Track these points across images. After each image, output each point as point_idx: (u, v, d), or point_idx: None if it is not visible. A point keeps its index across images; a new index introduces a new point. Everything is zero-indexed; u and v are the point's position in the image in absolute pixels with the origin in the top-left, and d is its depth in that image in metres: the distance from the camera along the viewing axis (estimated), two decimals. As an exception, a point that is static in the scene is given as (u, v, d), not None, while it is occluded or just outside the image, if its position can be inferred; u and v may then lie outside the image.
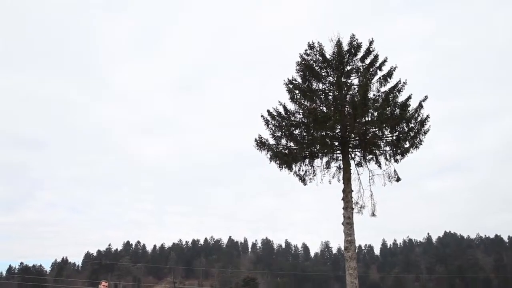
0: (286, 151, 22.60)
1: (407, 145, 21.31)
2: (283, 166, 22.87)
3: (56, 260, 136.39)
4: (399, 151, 21.62)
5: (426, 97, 20.79)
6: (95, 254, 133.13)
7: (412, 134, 21.07)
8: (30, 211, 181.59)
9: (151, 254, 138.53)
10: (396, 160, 22.06)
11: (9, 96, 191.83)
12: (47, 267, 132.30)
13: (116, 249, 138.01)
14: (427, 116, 20.84)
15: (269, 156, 22.54)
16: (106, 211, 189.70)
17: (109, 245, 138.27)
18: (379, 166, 22.78)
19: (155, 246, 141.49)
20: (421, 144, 21.09)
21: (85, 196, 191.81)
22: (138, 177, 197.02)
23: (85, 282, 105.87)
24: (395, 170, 22.56)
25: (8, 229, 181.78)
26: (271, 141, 22.71)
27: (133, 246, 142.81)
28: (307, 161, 23.40)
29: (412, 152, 21.40)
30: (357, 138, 22.25)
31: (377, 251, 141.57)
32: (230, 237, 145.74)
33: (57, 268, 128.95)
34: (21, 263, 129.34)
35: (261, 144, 22.46)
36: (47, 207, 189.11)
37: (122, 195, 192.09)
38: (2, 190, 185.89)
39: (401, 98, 20.94)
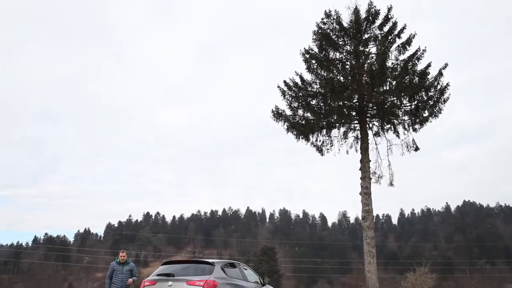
0: (303, 122, 22.50)
1: (426, 114, 21.03)
2: (300, 137, 22.82)
3: (79, 231, 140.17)
4: (417, 120, 21.36)
5: (446, 65, 20.37)
6: (116, 225, 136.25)
7: (431, 102, 20.75)
8: (53, 183, 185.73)
9: (170, 224, 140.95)
10: (414, 130, 21.82)
11: (27, 70, 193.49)
12: (71, 238, 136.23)
13: (137, 220, 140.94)
14: (447, 84, 20.47)
15: (286, 127, 22.50)
16: (126, 183, 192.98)
17: (130, 216, 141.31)
18: (397, 135, 22.59)
19: (174, 217, 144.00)
20: (440, 113, 20.78)
21: (105, 168, 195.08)
22: (156, 148, 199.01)
23: (107, 252, 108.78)
24: (413, 140, 22.35)
25: (32, 201, 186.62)
26: (288, 112, 22.62)
27: (153, 217, 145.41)
28: (324, 131, 23.30)
29: (431, 121, 21.13)
30: (375, 107, 22.01)
31: (394, 220, 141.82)
32: (248, 207, 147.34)
33: (80, 239, 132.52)
34: (46, 233, 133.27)
35: (278, 115, 22.39)
36: (69, 179, 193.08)
37: (142, 167, 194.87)
38: (25, 163, 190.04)
39: (420, 66, 20.55)
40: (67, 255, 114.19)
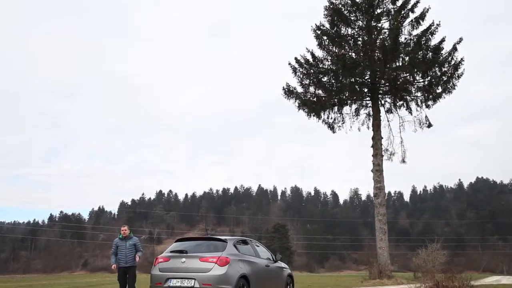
0: (314, 99, 22.37)
1: (439, 90, 20.78)
2: (312, 114, 22.72)
3: (93, 208, 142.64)
4: (431, 96, 21.12)
5: (460, 39, 20.00)
6: (129, 203, 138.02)
7: (445, 78, 20.47)
8: (67, 162, 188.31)
9: (183, 202, 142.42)
10: (427, 106, 21.60)
11: (41, 47, 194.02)
12: (85, 216, 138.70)
13: (150, 198, 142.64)
14: (461, 59, 20.13)
15: (297, 105, 22.40)
16: (139, 161, 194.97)
17: (143, 194, 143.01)
18: (410, 112, 22.39)
19: (186, 195, 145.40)
20: (454, 88, 20.51)
21: (118, 146, 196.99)
22: (169, 126, 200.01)
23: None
24: (426, 116, 22.14)
25: (47, 180, 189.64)
26: (299, 89, 22.49)
27: (165, 195, 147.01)
28: (335, 108, 23.16)
29: (444, 97, 20.90)
30: (387, 84, 21.78)
31: (406, 197, 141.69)
32: (259, 185, 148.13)
33: (95, 217, 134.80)
34: (61, 211, 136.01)
35: (289, 92, 22.28)
36: (83, 158, 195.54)
37: (154, 145, 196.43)
38: (39, 141, 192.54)
39: (434, 41, 20.21)
40: (83, 233, 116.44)
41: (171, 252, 8.60)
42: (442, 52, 20.02)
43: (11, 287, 17.92)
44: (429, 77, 20.67)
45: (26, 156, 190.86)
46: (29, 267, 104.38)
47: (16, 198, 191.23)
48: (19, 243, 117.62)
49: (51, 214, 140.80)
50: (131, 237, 9.30)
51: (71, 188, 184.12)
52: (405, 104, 22.35)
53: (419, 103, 21.63)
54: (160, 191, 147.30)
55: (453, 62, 20.12)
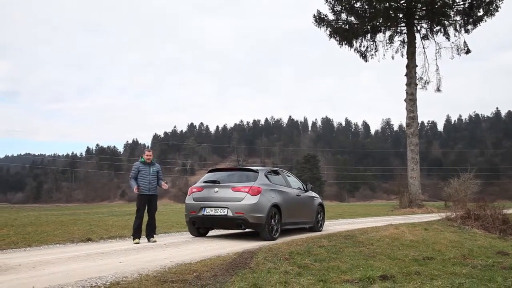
0: (346, 27, 21.61)
1: (480, 12, 19.62)
2: (343, 43, 22.06)
3: (127, 141, 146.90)
4: (471, 20, 20.02)
5: (507, -45, 18.55)
6: (162, 135, 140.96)
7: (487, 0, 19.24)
8: (101, 96, 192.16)
9: (214, 134, 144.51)
10: (466, 31, 20.58)
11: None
12: (120, 148, 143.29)
13: (181, 130, 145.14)
14: (507, -23, 18.77)
15: (328, 33, 21.72)
16: (171, 95, 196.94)
17: (175, 127, 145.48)
18: (447, 38, 21.47)
19: (217, 127, 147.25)
20: (497, 10, 19.29)
21: (151, 81, 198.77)
22: (201, 59, 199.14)
23: (156, 161, 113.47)
24: (465, 42, 21.20)
25: (82, 113, 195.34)
26: (331, 17, 21.71)
27: (197, 128, 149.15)
28: (368, 36, 22.39)
29: (485, 21, 19.78)
30: (424, 8, 20.74)
31: (440, 127, 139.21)
32: (290, 116, 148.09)
33: (129, 149, 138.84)
34: (97, 144, 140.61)
35: (320, 20, 21.54)
36: (115, 92, 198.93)
37: (186, 78, 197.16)
38: (73, 77, 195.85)
39: (477, -42, 18.82)
40: (119, 164, 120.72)
41: (204, 182, 8.82)
42: (485, -30, 18.71)
43: (57, 215, 19.07)
44: (470, -1, 19.48)
45: (62, 91, 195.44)
46: (70, 197, 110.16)
47: (55, 132, 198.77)
48: (60, 175, 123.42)
49: (88, 147, 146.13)
50: (154, 163, 8.59)
51: (105, 121, 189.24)
52: (442, 30, 21.38)
53: (458, 27, 20.60)
54: (192, 123, 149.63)
55: (497, -19, 18.81)
